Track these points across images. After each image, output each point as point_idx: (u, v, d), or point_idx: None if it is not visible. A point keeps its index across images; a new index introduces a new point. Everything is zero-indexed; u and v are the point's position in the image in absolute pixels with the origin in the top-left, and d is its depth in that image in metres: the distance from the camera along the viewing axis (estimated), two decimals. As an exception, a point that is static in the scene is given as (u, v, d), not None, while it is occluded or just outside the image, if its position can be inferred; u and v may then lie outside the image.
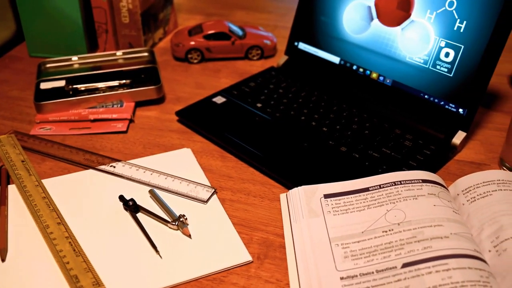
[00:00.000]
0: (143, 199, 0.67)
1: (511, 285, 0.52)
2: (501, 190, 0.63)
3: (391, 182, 0.65)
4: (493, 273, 0.54)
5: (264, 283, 0.57)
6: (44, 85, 0.88)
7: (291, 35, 0.96)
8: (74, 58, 0.97)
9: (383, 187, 0.64)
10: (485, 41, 0.73)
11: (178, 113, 0.84)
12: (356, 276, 0.54)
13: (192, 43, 1.01)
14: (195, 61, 1.03)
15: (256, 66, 1.01)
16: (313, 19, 0.92)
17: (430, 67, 0.78)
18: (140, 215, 0.65)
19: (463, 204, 0.63)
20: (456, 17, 0.75)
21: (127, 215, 0.65)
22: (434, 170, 0.72)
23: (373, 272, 0.54)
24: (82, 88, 0.88)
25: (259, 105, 0.85)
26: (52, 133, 0.81)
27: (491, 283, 0.51)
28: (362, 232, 0.59)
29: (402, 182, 0.64)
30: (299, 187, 0.66)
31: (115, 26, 1.01)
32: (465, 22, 0.74)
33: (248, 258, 0.59)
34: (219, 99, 0.86)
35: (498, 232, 0.57)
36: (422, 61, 0.79)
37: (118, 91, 0.86)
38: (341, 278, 0.54)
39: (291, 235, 0.61)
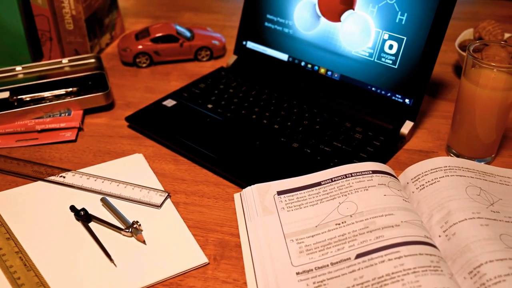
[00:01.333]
0: (95, 208, 0.66)
1: (461, 267, 0.53)
2: (448, 176, 0.64)
3: (342, 175, 0.66)
4: (444, 257, 0.55)
5: (221, 284, 0.57)
6: (-13, 98, 0.86)
7: (238, 34, 0.96)
8: (18, 68, 0.94)
9: (334, 181, 0.65)
10: (426, 32, 0.74)
11: (128, 119, 0.83)
12: (312, 270, 0.55)
13: (140, 47, 1.00)
14: (144, 65, 1.02)
15: (206, 67, 1.01)
16: (260, 18, 0.92)
17: (375, 60, 0.80)
18: (92, 224, 0.64)
19: (412, 192, 0.65)
20: (397, 9, 0.76)
21: (79, 225, 0.64)
22: (384, 161, 0.74)
23: (328, 265, 0.55)
24: (27, 99, 0.86)
25: (210, 106, 0.84)
26: (-2, 146, 0.79)
27: (442, 267, 0.53)
28: (316, 226, 0.60)
29: (353, 174, 0.65)
30: (252, 186, 0.66)
31: (59, 33, 0.99)
32: (406, 14, 0.76)
33: (204, 260, 0.59)
34: (169, 102, 0.85)
35: (447, 217, 0.59)
36: (367, 54, 0.80)
37: (65, 99, 0.84)
38: (297, 273, 0.55)
39: (246, 234, 0.61)
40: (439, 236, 0.58)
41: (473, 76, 0.69)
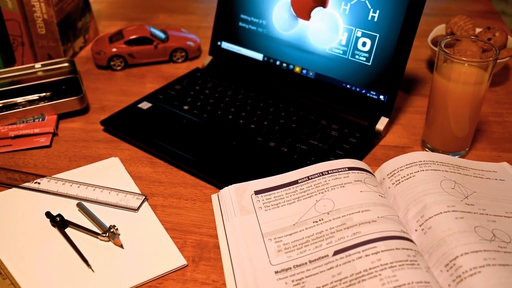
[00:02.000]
0: (72, 213, 0.65)
1: (438, 260, 0.54)
2: (423, 170, 0.65)
3: (319, 173, 0.66)
4: (420, 251, 0.56)
5: (200, 285, 0.56)
6: (-42, 105, 0.84)
7: (213, 35, 0.96)
8: (-10, 74, 0.93)
9: (311, 178, 0.65)
10: (398, 29, 0.75)
11: (103, 122, 0.82)
12: (290, 268, 0.55)
13: (114, 50, 0.99)
14: (119, 68, 1.01)
15: (182, 69, 1.01)
16: (233, 18, 0.92)
17: (349, 58, 0.80)
18: (69, 230, 0.63)
19: (389, 187, 0.65)
20: (369, 7, 0.77)
21: (55, 231, 0.63)
22: (360, 157, 0.74)
23: (306, 263, 0.55)
24: (0, 105, 0.84)
25: (185, 107, 0.84)
26: (-29, 154, 0.77)
27: (418, 261, 0.53)
28: (294, 225, 0.60)
29: (329, 172, 0.66)
30: (229, 186, 0.66)
31: (31, 38, 0.98)
32: (378, 11, 0.76)
33: (183, 262, 0.59)
34: (145, 105, 0.85)
35: (423, 211, 0.59)
36: (341, 52, 0.81)
37: (39, 104, 0.83)
38: (276, 272, 0.55)
39: (224, 235, 0.61)
40: (416, 230, 0.58)
41: (445, 71, 0.69)
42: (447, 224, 0.57)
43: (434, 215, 0.58)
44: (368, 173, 0.66)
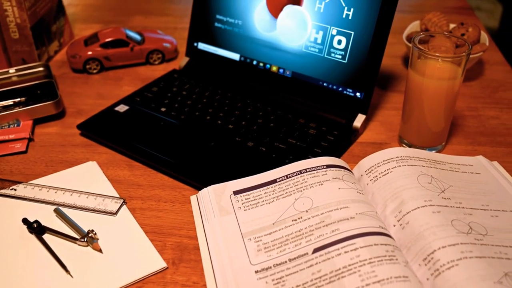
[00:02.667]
0: (49, 219, 0.65)
1: (416, 254, 0.55)
2: (400, 166, 0.65)
3: (297, 171, 0.66)
4: (399, 246, 0.56)
5: (181, 287, 0.56)
6: None
7: (189, 36, 0.96)
8: (-37, 80, 0.91)
9: (290, 177, 0.66)
10: (373, 26, 0.76)
11: (79, 126, 0.81)
12: (270, 267, 0.55)
13: (89, 53, 0.98)
14: (95, 71, 1.00)
15: (159, 70, 1.00)
16: (209, 19, 0.92)
17: (325, 56, 0.81)
18: (46, 236, 0.62)
19: (367, 184, 0.65)
20: (344, 5, 0.77)
21: (33, 238, 0.62)
22: (339, 155, 0.75)
23: (286, 261, 0.55)
24: (-26, 111, 0.83)
25: (163, 109, 0.84)
26: None
27: (397, 256, 0.54)
28: (273, 224, 0.60)
29: (307, 170, 0.66)
30: (208, 187, 0.66)
31: (4, 42, 0.96)
32: (352, 9, 0.77)
33: (163, 264, 0.58)
34: (122, 108, 0.84)
35: (400, 206, 0.60)
36: (317, 50, 0.81)
37: (14, 110, 0.82)
38: (256, 272, 0.55)
39: (204, 236, 0.61)
40: (394, 225, 0.59)
41: (420, 67, 0.70)
42: (424, 219, 0.57)
43: (412, 210, 0.59)
44: (346, 170, 0.66)
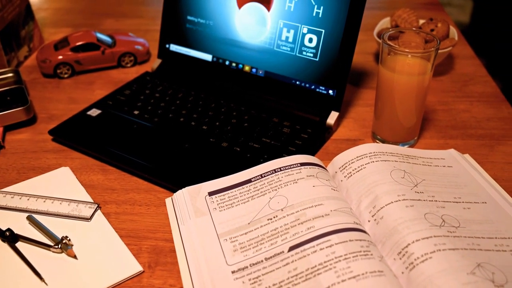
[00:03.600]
0: (22, 227, 0.64)
1: (390, 249, 0.55)
2: (373, 162, 0.66)
3: (271, 170, 0.66)
4: (374, 241, 0.57)
5: (158, 291, 0.56)
6: None
7: (161, 38, 0.95)
8: None
9: (264, 176, 0.66)
10: (343, 24, 0.76)
11: (51, 132, 0.80)
12: (247, 267, 0.55)
13: (60, 57, 0.97)
14: (66, 75, 0.99)
15: (131, 73, 0.99)
16: (180, 20, 0.91)
17: (297, 54, 0.81)
18: (20, 244, 0.61)
19: (341, 180, 0.66)
20: (313, 3, 0.78)
21: (5, 246, 0.61)
22: (313, 153, 0.75)
23: (262, 261, 0.55)
24: None
25: (136, 112, 0.83)
26: None
27: (372, 251, 0.54)
28: (249, 223, 0.60)
29: (281, 169, 0.66)
30: (183, 189, 0.66)
31: (-28, 49, 0.95)
32: (322, 7, 0.77)
33: (139, 268, 0.58)
34: (94, 112, 0.83)
35: (374, 202, 0.60)
36: (289, 49, 0.81)
37: (-17, 117, 0.81)
38: (233, 272, 0.55)
39: (180, 238, 0.61)
40: (368, 221, 0.59)
41: (390, 63, 0.71)
42: (398, 213, 0.58)
43: (386, 205, 0.59)
44: (320, 168, 0.67)
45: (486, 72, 0.96)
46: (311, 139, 0.76)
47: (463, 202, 0.62)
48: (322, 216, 0.58)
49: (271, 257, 0.55)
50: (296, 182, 0.63)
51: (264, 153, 0.73)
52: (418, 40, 0.78)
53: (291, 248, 0.55)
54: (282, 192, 0.63)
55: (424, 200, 0.61)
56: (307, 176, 0.64)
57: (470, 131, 0.80)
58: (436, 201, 0.61)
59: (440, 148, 0.76)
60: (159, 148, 0.75)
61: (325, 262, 0.53)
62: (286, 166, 0.66)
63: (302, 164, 0.66)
